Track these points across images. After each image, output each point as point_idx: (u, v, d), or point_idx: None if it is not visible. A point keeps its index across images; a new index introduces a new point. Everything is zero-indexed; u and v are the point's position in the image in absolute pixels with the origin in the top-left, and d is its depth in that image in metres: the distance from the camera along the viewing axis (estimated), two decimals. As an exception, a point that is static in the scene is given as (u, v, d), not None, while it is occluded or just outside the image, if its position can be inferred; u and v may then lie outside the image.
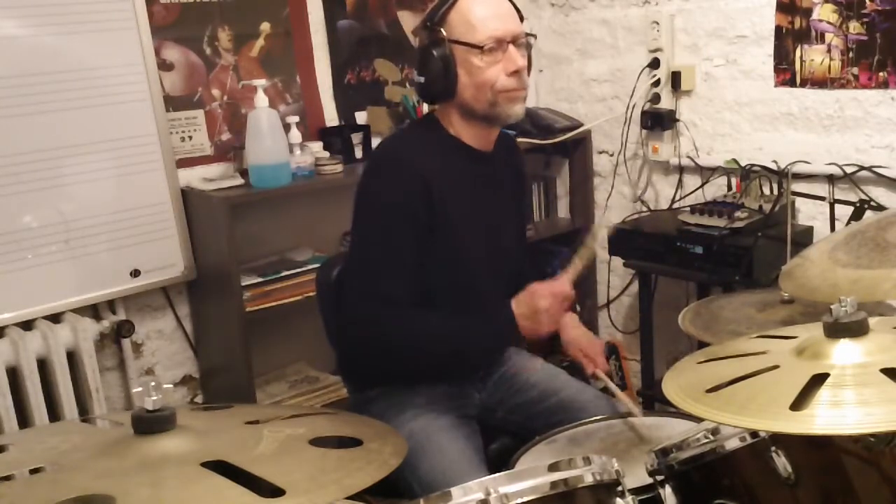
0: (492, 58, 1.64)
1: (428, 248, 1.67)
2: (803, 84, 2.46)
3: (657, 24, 2.74)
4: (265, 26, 2.59)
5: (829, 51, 2.37)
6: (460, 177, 1.72)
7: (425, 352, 1.69)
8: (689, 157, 2.78)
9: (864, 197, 2.33)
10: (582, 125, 3.00)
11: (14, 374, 2.16)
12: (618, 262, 2.81)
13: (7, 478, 1.10)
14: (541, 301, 1.63)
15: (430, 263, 1.69)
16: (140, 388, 1.09)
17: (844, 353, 1.10)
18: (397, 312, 1.64)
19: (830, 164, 2.41)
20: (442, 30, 1.64)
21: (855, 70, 2.33)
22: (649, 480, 1.30)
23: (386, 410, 1.74)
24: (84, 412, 2.25)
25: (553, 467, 1.16)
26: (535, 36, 1.74)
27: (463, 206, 1.71)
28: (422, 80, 1.67)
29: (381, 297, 1.63)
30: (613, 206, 3.06)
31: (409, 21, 2.91)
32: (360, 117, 2.81)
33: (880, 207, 2.28)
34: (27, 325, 2.23)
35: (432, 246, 1.68)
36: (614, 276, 3.07)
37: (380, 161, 1.77)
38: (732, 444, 1.20)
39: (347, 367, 1.91)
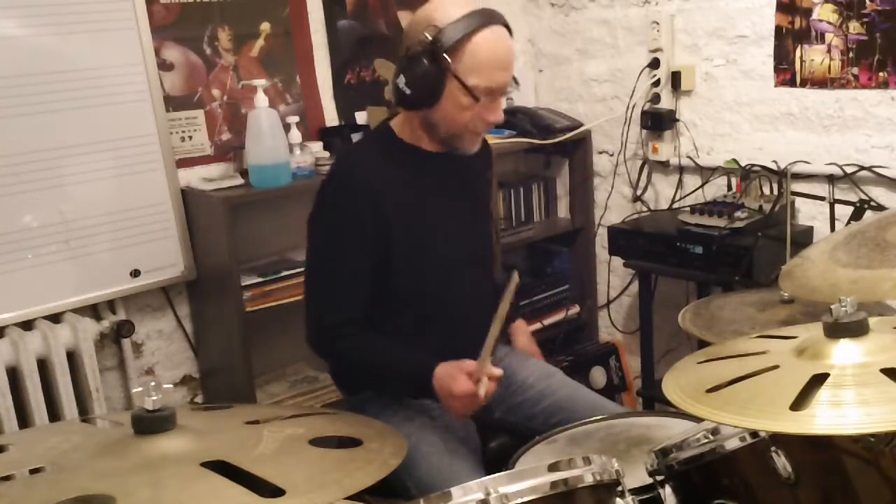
0: (479, 104, 1.63)
1: (389, 256, 1.69)
2: (803, 84, 2.46)
3: (657, 24, 2.74)
4: (265, 26, 2.59)
5: (829, 51, 2.37)
6: (416, 183, 1.73)
7: (371, 372, 1.75)
8: (689, 157, 2.78)
9: (864, 197, 2.33)
10: (582, 125, 3.00)
11: (14, 374, 2.16)
12: (618, 262, 2.81)
13: (7, 478, 1.10)
14: (453, 401, 1.60)
15: (395, 270, 1.71)
16: (140, 388, 1.09)
17: (844, 353, 1.10)
18: (350, 331, 1.68)
19: (830, 164, 2.41)
20: (448, 58, 1.57)
21: (855, 70, 2.33)
22: (649, 480, 1.30)
23: (381, 412, 1.75)
24: (84, 412, 2.25)
25: (553, 467, 1.16)
26: (517, 83, 1.74)
27: (420, 212, 1.72)
28: (406, 90, 1.60)
29: (338, 314, 1.69)
30: (613, 206, 3.06)
31: (409, 21, 2.90)
32: (360, 117, 2.81)
33: (880, 207, 2.28)
34: (27, 325, 2.23)
35: (393, 253, 1.70)
36: (614, 276, 3.07)
37: (331, 176, 1.77)
38: (732, 444, 1.20)
39: (337, 373, 1.93)
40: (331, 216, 1.70)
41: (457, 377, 1.57)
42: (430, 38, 1.57)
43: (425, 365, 1.63)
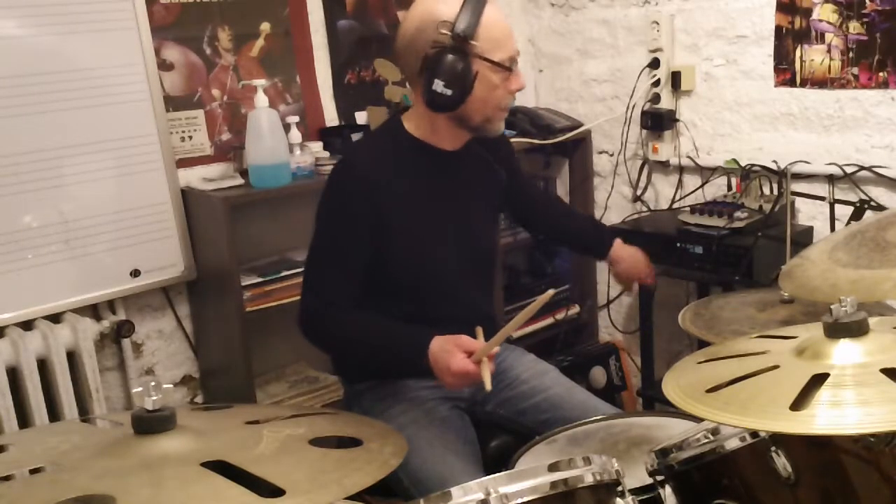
0: (506, 76, 1.67)
1: (388, 251, 1.70)
2: (803, 84, 2.46)
3: (657, 24, 2.74)
4: (265, 26, 2.59)
5: (829, 51, 2.37)
6: (424, 181, 1.74)
7: (361, 353, 1.76)
8: (689, 157, 2.78)
9: (864, 197, 2.33)
10: (582, 125, 3.00)
11: (14, 374, 2.16)
12: (618, 262, 2.81)
13: (7, 478, 1.11)
14: (449, 377, 1.57)
15: (395, 263, 1.72)
16: (140, 388, 1.09)
17: (844, 353, 1.10)
18: (336, 313, 1.70)
19: (830, 164, 2.41)
20: (474, 43, 1.61)
21: (855, 70, 2.33)
22: (649, 480, 1.31)
23: (376, 404, 1.78)
24: (84, 412, 2.25)
25: (553, 467, 1.16)
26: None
27: (422, 206, 1.73)
28: (448, 92, 1.61)
29: (325, 297, 1.70)
30: (613, 206, 3.06)
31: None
32: (360, 117, 2.81)
33: (880, 207, 2.28)
34: (27, 325, 2.23)
35: (393, 248, 1.71)
36: (614, 276, 3.07)
37: (335, 169, 1.80)
38: (732, 444, 1.20)
39: (338, 362, 1.94)
40: (328, 206, 1.73)
41: (454, 354, 1.56)
42: (448, 33, 1.60)
43: (420, 339, 1.62)
